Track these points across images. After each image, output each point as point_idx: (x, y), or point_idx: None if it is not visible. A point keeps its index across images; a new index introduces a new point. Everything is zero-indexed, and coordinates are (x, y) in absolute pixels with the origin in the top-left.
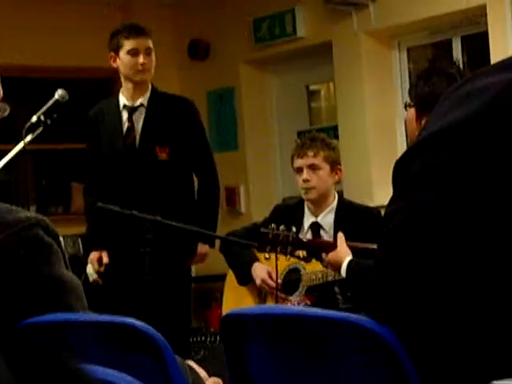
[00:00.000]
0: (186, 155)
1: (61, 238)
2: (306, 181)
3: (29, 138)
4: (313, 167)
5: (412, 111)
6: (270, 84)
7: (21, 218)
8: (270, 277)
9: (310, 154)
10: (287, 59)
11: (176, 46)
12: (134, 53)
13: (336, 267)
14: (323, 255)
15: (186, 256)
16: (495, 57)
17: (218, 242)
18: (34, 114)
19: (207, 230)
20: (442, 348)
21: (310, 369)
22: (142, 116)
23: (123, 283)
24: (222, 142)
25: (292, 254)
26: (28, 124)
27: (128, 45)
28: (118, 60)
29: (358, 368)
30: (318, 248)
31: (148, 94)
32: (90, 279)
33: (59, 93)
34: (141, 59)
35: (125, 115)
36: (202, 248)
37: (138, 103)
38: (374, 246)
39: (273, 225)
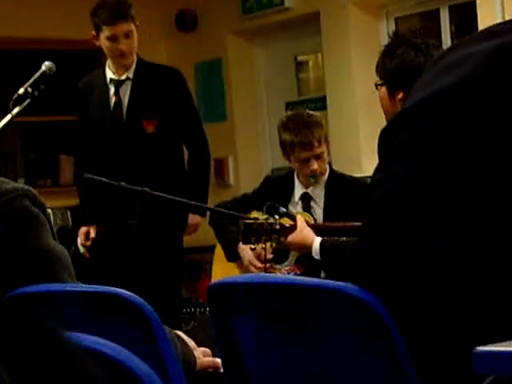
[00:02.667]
0: (175, 126)
1: (48, 210)
2: (315, 170)
3: (16, 110)
4: (320, 156)
5: (383, 89)
6: (258, 55)
7: (7, 188)
8: (259, 259)
9: (316, 144)
10: (275, 30)
11: (163, 17)
12: (113, 39)
13: (301, 249)
14: (281, 239)
15: (176, 227)
16: (483, 26)
17: (207, 214)
18: (22, 86)
19: (198, 201)
20: (429, 314)
21: (298, 336)
22: (129, 89)
23: (112, 255)
24: (210, 113)
25: (277, 243)
26: (15, 96)
27: (107, 31)
28: (99, 40)
29: (346, 335)
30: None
31: (134, 67)
32: (81, 251)
33: (46, 64)
34: (120, 45)
35: (112, 89)
36: (193, 218)
37: (124, 77)
38: (342, 224)
39: (255, 214)
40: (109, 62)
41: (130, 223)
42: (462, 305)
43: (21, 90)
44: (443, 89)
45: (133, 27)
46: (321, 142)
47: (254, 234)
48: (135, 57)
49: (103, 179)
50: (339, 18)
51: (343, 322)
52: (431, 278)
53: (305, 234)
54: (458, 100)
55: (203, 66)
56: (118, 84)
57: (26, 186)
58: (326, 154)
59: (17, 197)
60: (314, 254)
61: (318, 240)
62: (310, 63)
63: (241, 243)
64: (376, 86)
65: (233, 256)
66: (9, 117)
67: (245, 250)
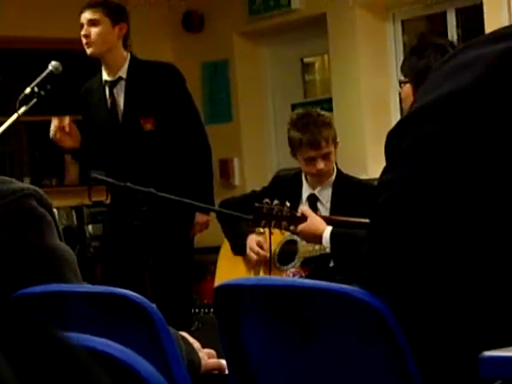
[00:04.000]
0: (174, 123)
1: (54, 210)
2: (321, 170)
3: (23, 109)
4: (327, 155)
5: (408, 87)
6: (265, 56)
7: (14, 188)
8: (260, 246)
9: (324, 143)
10: (282, 31)
11: (170, 17)
12: (81, 26)
13: (312, 238)
14: (291, 227)
15: (183, 227)
16: (490, 29)
17: (214, 217)
18: (28, 85)
19: (204, 198)
20: (434, 318)
21: (303, 339)
22: (123, 89)
23: (118, 256)
24: (215, 113)
25: (287, 229)
26: (22, 96)
27: (79, 19)
28: None
29: (352, 339)
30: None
31: (126, 66)
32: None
33: (53, 64)
34: (82, 31)
35: (107, 91)
36: (200, 217)
37: (116, 77)
38: (352, 219)
39: (267, 199)
40: (102, 64)
41: (136, 224)
42: (468, 309)
43: (27, 90)
44: (451, 91)
45: (101, 18)
46: (328, 142)
47: (264, 217)
48: (127, 56)
49: (110, 180)
50: (346, 20)
51: (350, 325)
52: (435, 282)
53: (316, 222)
54: (466, 103)
55: (209, 66)
56: (112, 85)
57: (33, 186)
58: (333, 155)
59: (23, 197)
60: (323, 242)
61: (328, 229)
62: (317, 65)
63: (250, 235)
64: (400, 83)
65: (240, 248)
66: (15, 116)
67: (251, 239)
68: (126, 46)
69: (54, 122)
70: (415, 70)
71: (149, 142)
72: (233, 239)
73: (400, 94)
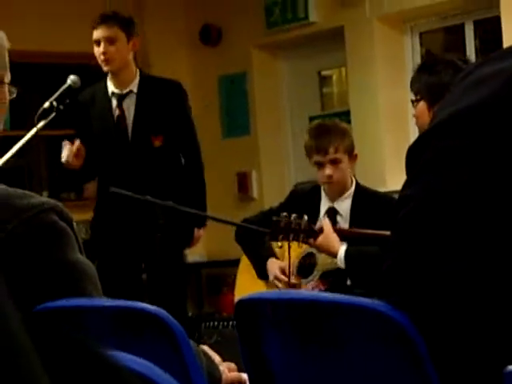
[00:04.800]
0: (179, 140)
1: (74, 223)
2: (328, 177)
3: (41, 123)
4: (335, 162)
5: (422, 104)
6: (282, 69)
7: (34, 203)
8: (284, 272)
9: (331, 150)
10: (299, 44)
11: (188, 30)
12: (97, 43)
13: (327, 253)
14: (311, 241)
15: (182, 241)
16: (508, 41)
17: (232, 230)
18: (47, 100)
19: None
20: (457, 332)
21: (325, 353)
22: (133, 103)
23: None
24: (233, 127)
25: (305, 242)
26: (41, 110)
27: (93, 36)
28: None
29: (373, 353)
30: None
31: (137, 81)
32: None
33: (71, 78)
34: (101, 48)
35: (114, 102)
36: (198, 232)
37: (126, 90)
38: (369, 231)
39: (285, 213)
40: (109, 75)
41: (155, 237)
42: (491, 323)
43: (46, 104)
44: (468, 106)
45: (117, 34)
46: (338, 150)
47: (282, 231)
48: (136, 70)
49: (129, 193)
50: (364, 33)
51: (371, 339)
52: (457, 295)
53: (331, 239)
54: (484, 118)
55: (227, 79)
56: (121, 97)
57: (53, 200)
58: (344, 164)
59: (44, 211)
60: (338, 262)
61: (342, 249)
62: (334, 77)
63: (269, 260)
64: (413, 102)
65: (263, 274)
66: (34, 130)
67: (270, 266)
68: (135, 60)
69: (67, 148)
70: (428, 86)
71: (157, 157)
72: (255, 265)
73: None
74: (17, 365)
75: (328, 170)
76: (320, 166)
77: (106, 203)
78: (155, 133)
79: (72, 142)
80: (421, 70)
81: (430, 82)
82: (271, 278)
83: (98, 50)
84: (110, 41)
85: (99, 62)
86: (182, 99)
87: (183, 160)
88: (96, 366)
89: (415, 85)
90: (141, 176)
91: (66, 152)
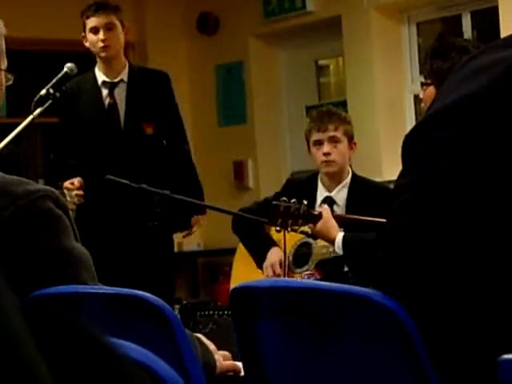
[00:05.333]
0: (168, 128)
1: (70, 211)
2: (326, 154)
3: (38, 111)
4: (333, 140)
5: (431, 89)
6: (279, 58)
7: (30, 190)
8: (280, 265)
9: (331, 127)
10: (296, 34)
11: (185, 19)
12: (94, 31)
13: (326, 239)
14: (311, 225)
15: (179, 229)
16: (505, 32)
17: (228, 219)
18: (44, 87)
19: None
20: (452, 322)
21: (320, 342)
22: (124, 92)
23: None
24: (230, 115)
25: (303, 226)
26: (37, 97)
27: (89, 24)
28: (87, 39)
29: (367, 342)
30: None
31: (127, 70)
32: (72, 200)
33: (68, 66)
34: (100, 35)
35: (104, 91)
36: (195, 220)
37: (117, 79)
38: (365, 218)
39: (284, 198)
40: (99, 65)
41: (151, 225)
42: (487, 312)
43: (43, 91)
44: (466, 95)
45: (115, 21)
46: (337, 129)
47: (281, 216)
48: (126, 60)
49: (124, 181)
50: (361, 23)
51: (366, 328)
52: (452, 285)
53: (330, 225)
54: (484, 107)
55: (224, 68)
56: (112, 86)
57: (49, 188)
58: (343, 147)
59: (40, 198)
60: (336, 249)
61: (340, 235)
62: (331, 67)
63: (272, 249)
64: (422, 84)
65: (263, 263)
66: (30, 118)
67: (273, 253)
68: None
69: (73, 191)
70: (439, 72)
71: (149, 145)
72: (255, 257)
73: (415, 95)
74: (15, 350)
75: (326, 147)
76: (319, 144)
77: (97, 191)
78: (147, 121)
79: (64, 181)
80: (434, 55)
81: (442, 68)
82: (267, 263)
83: (95, 38)
84: (109, 28)
85: (96, 49)
86: (169, 89)
87: (170, 148)
88: (95, 351)
89: (427, 69)
90: (134, 164)
91: (73, 194)
